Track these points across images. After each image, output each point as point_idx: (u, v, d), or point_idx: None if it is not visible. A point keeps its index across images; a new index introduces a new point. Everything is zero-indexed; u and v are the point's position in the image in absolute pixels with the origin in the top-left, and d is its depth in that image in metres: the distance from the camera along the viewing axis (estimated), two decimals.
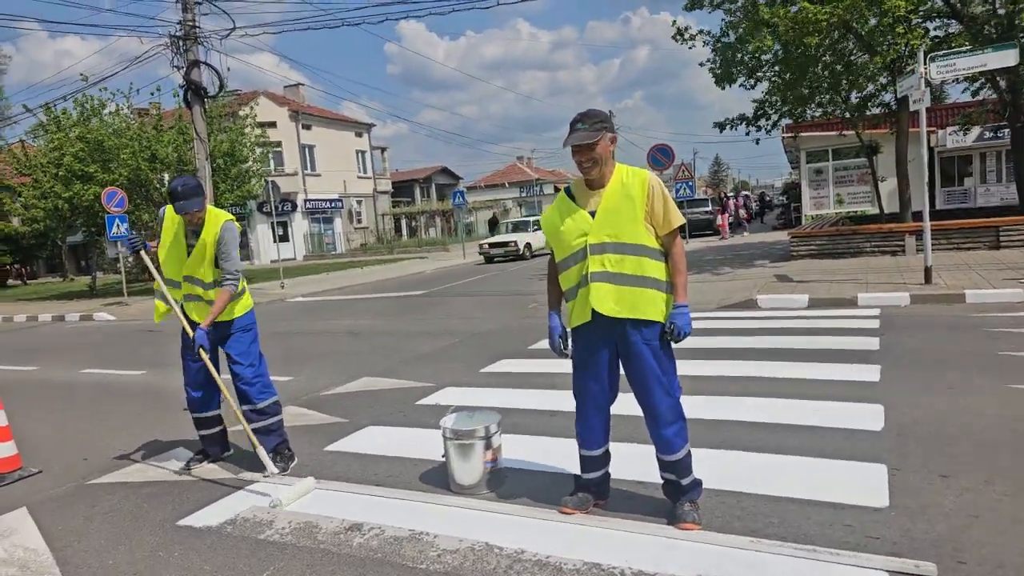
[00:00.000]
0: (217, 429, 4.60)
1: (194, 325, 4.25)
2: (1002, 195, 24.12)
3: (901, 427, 4.41)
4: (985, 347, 6.42)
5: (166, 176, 18.25)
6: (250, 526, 3.66)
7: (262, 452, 4.23)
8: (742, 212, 26.68)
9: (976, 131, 23.10)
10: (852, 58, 15.38)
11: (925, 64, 9.52)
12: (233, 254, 4.21)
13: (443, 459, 3.98)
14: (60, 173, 19.30)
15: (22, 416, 6.27)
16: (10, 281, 34.15)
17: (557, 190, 52.57)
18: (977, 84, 15.92)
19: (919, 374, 5.65)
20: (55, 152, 19.68)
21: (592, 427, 3.39)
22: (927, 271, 9.80)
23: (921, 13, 13.65)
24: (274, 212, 20.74)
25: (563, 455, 4.17)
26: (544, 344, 8.21)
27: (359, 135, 43.46)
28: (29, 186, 20.73)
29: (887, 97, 16.22)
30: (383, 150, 48.70)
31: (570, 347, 3.42)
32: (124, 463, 4.92)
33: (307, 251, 37.73)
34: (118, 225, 16.28)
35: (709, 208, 27.80)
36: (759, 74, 15.75)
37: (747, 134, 16.97)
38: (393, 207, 47.46)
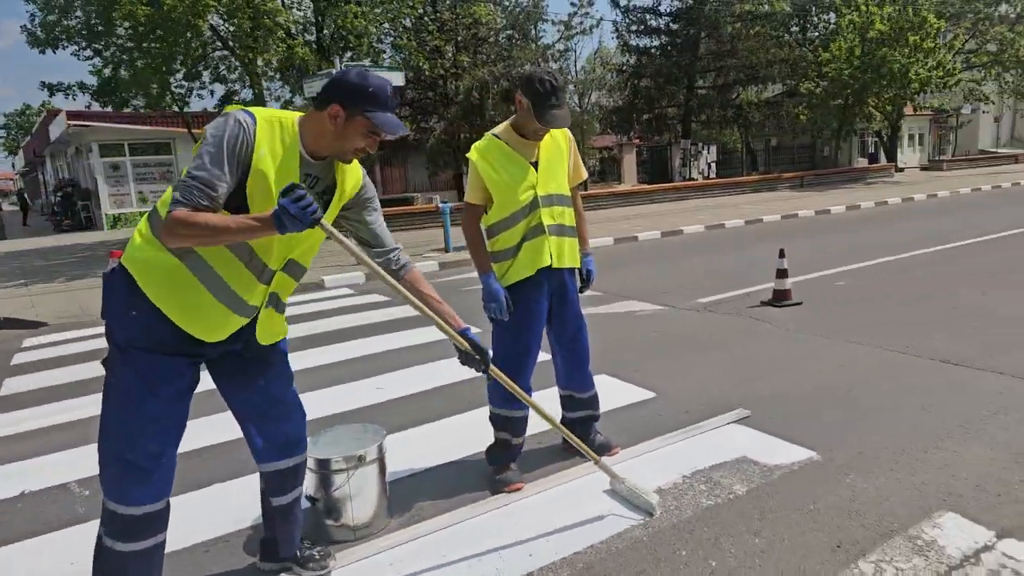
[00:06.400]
0: (162, 537, 2.54)
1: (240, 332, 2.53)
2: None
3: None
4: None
5: None
6: None
7: None
8: None
9: None
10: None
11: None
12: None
13: (313, 503, 3.12)
14: None
15: None
16: None
17: None
18: None
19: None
20: None
21: (529, 385, 3.48)
22: None
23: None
24: None
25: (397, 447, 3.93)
26: None
27: None
28: None
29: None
30: None
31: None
32: None
33: None
34: None
35: None
36: (100, 44, 15.36)
37: (88, 106, 17.36)
38: None
